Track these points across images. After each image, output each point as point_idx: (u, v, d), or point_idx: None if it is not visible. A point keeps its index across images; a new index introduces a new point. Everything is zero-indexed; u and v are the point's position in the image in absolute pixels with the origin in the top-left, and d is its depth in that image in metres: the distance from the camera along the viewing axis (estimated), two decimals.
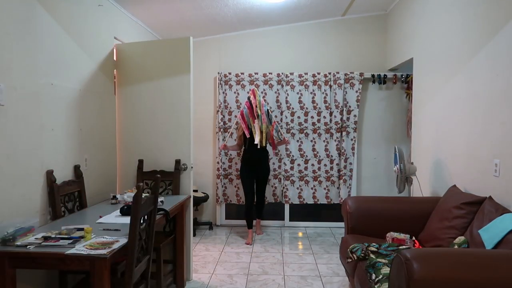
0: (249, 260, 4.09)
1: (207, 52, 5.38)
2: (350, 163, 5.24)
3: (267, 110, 4.65)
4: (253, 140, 4.49)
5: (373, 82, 5.25)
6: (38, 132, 2.61)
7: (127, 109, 3.67)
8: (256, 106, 4.52)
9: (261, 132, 4.47)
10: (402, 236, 2.85)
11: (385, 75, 5.18)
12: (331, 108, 5.21)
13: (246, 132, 4.52)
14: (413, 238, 2.90)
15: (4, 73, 2.29)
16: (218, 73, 5.28)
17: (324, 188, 5.28)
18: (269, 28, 5.35)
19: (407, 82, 5.11)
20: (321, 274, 3.71)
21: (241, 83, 5.25)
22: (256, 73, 5.23)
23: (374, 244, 2.75)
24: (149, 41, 4.42)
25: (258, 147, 4.48)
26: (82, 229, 2.21)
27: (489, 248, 2.19)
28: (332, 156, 5.23)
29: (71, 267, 2.01)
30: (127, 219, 2.22)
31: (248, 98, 4.63)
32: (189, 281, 3.53)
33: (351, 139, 5.22)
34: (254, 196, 4.81)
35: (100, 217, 2.70)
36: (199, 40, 5.27)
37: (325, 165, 5.26)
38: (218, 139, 5.27)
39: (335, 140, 5.22)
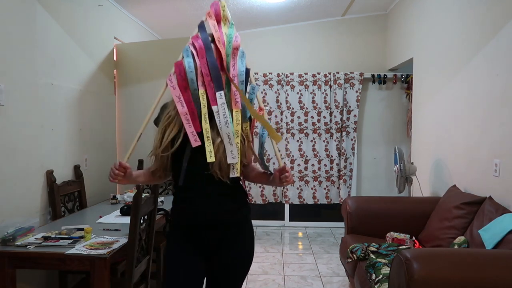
0: None
1: None
2: (350, 163, 5.24)
3: (246, 70, 1.79)
4: (204, 156, 1.57)
5: (373, 82, 5.25)
6: (38, 132, 2.61)
7: (127, 109, 3.67)
8: (223, 46, 1.76)
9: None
10: (402, 236, 2.85)
11: (385, 75, 5.18)
12: (331, 108, 5.20)
13: (189, 131, 1.63)
14: (413, 238, 2.90)
15: (4, 73, 2.29)
16: None
17: (324, 188, 5.28)
18: (269, 28, 5.35)
19: (407, 82, 5.11)
20: (321, 274, 3.71)
21: None
22: (256, 73, 5.23)
23: (374, 244, 2.75)
24: (149, 41, 4.42)
25: (235, 175, 1.58)
26: (82, 229, 2.22)
27: (489, 248, 2.19)
28: (332, 156, 5.23)
29: (71, 267, 2.01)
30: (127, 219, 2.22)
31: (200, 25, 1.77)
32: None
33: (351, 139, 5.22)
34: None
35: (100, 217, 2.70)
36: None
37: (325, 165, 5.26)
38: None
39: (335, 140, 5.21)
